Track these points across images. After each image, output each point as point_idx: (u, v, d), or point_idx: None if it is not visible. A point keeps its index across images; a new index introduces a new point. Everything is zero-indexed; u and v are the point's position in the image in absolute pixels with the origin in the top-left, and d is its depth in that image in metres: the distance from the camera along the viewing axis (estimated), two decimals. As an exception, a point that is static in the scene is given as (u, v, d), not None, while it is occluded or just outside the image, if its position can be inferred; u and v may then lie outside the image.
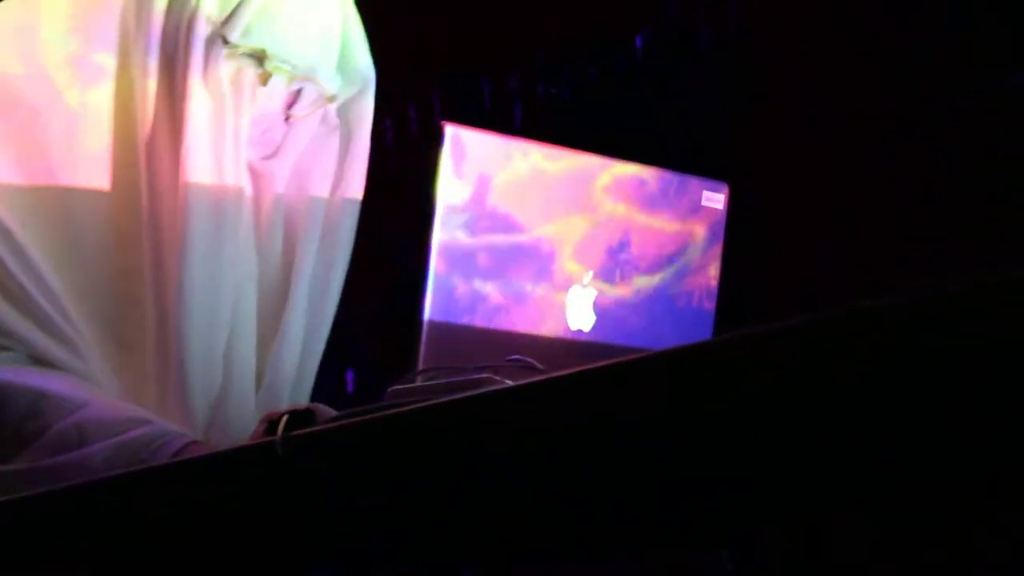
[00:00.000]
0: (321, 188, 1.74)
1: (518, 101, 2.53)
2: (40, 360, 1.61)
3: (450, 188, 1.39)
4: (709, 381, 1.00)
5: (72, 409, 1.56)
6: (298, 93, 1.71)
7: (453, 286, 1.39)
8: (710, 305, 1.54)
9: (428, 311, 1.37)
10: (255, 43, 1.66)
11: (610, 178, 1.49)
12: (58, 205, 1.65)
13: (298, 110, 1.71)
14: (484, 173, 1.40)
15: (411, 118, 2.59)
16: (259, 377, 1.70)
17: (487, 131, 1.42)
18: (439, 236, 1.38)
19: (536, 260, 1.43)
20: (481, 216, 1.40)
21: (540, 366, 1.31)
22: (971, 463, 0.93)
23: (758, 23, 2.53)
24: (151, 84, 1.66)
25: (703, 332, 1.53)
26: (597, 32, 2.58)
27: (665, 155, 1.61)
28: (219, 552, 1.33)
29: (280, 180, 1.72)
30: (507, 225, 1.42)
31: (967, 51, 2.33)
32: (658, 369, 1.04)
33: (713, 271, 1.54)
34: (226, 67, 1.66)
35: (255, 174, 1.69)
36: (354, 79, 1.74)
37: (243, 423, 1.65)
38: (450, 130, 1.39)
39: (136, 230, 1.65)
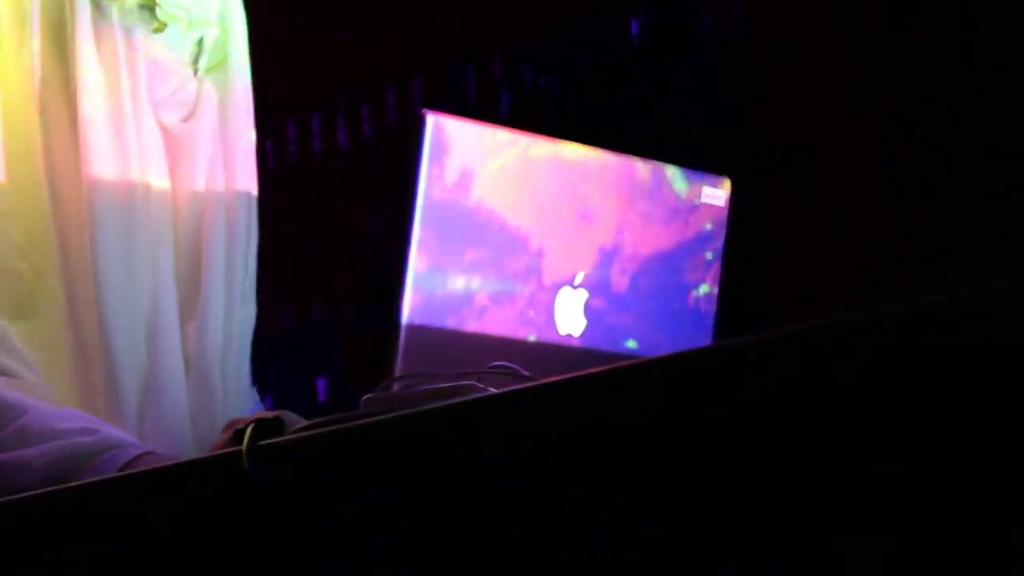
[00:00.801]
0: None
1: (505, 88, 2.52)
2: None
3: (431, 181, 1.35)
4: (706, 391, 0.99)
5: (13, 417, 1.51)
6: (201, 44, 1.66)
7: (433, 287, 1.35)
8: (709, 307, 1.52)
9: (406, 313, 1.34)
10: None
11: (603, 171, 1.46)
12: None
13: (204, 62, 1.68)
14: (468, 165, 1.37)
15: (389, 105, 2.59)
16: (187, 364, 1.67)
17: (471, 120, 1.39)
18: (419, 232, 1.35)
19: (523, 259, 1.41)
20: (464, 211, 1.37)
21: (526, 373, 1.29)
22: (971, 463, 0.92)
23: (758, 22, 2.54)
24: (37, 64, 1.62)
25: (702, 336, 1.51)
26: (591, 19, 2.58)
27: (662, 149, 1.58)
28: (180, 568, 1.28)
29: (202, 144, 1.68)
30: (492, 221, 1.39)
31: (967, 51, 2.34)
32: (653, 377, 1.02)
33: (713, 271, 1.51)
34: (119, 26, 1.63)
35: (171, 139, 1.65)
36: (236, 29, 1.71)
37: (176, 412, 1.63)
38: (431, 119, 1.36)
39: (42, 222, 1.62)
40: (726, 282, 1.52)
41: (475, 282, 1.37)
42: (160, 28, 1.63)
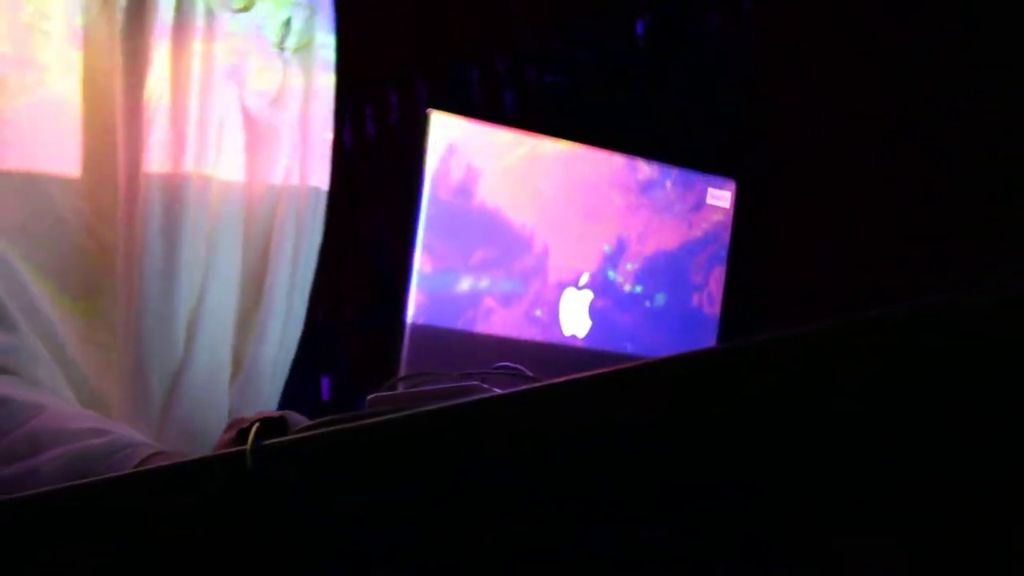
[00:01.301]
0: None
1: (510, 88, 2.51)
2: None
3: (436, 181, 1.35)
4: (711, 392, 0.98)
5: (25, 418, 1.49)
6: (288, 24, 1.64)
7: (438, 287, 1.35)
8: (714, 309, 1.50)
9: (411, 314, 1.34)
10: None
11: (608, 172, 1.46)
12: (28, 180, 1.57)
13: (291, 42, 1.64)
14: (473, 165, 1.37)
15: (393, 105, 2.58)
16: (237, 367, 1.64)
17: (476, 120, 1.38)
18: (423, 233, 1.34)
19: (528, 260, 1.40)
20: (469, 212, 1.37)
21: (531, 374, 1.28)
22: (975, 465, 0.91)
23: (765, 24, 2.53)
24: (119, 41, 1.59)
25: (707, 338, 1.50)
26: (596, 20, 2.57)
27: (668, 150, 1.57)
28: (182, 567, 1.27)
29: (285, 132, 1.64)
30: (497, 222, 1.38)
31: (967, 51, 2.33)
32: (658, 378, 1.02)
33: (717, 273, 1.50)
34: (202, 3, 1.59)
35: (252, 124, 1.62)
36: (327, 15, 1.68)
37: (213, 412, 1.60)
38: (436, 118, 1.35)
39: (113, 204, 1.59)
40: (731, 283, 1.52)
41: (480, 282, 1.37)
42: (247, 7, 1.60)
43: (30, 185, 1.57)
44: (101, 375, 1.58)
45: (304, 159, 1.66)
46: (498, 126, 1.40)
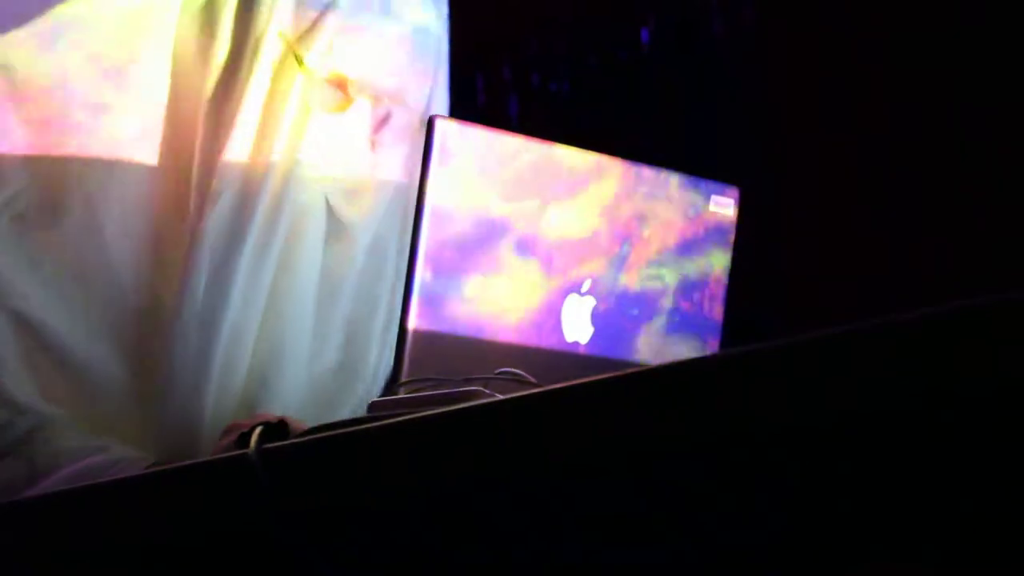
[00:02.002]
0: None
1: (514, 94, 2.51)
2: None
3: (438, 186, 1.34)
4: (714, 398, 0.98)
5: (25, 440, 1.48)
6: (386, 119, 1.59)
7: (440, 292, 1.34)
8: (717, 315, 1.49)
9: (412, 319, 1.33)
10: (335, 66, 1.54)
11: (612, 179, 1.45)
12: (89, 237, 1.54)
13: (384, 137, 1.59)
14: (475, 171, 1.36)
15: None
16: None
17: (479, 126, 1.38)
18: (425, 238, 1.33)
19: (531, 266, 1.39)
20: (471, 217, 1.36)
21: (532, 380, 1.28)
22: (987, 474, 0.92)
23: (770, 31, 2.54)
24: (208, 94, 1.53)
25: (710, 344, 1.49)
26: (601, 26, 2.57)
27: (672, 156, 1.57)
28: (185, 572, 1.28)
29: (363, 234, 1.60)
30: (500, 228, 1.37)
31: (967, 51, 2.35)
32: (660, 385, 1.01)
33: (721, 279, 1.50)
34: (296, 94, 1.53)
35: (334, 219, 1.57)
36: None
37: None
38: (439, 124, 1.34)
39: (182, 209, 1.55)
40: (734, 290, 1.51)
41: (481, 288, 1.36)
42: (344, 107, 1.54)
43: (89, 239, 1.54)
44: (142, 430, 1.55)
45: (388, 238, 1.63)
46: (501, 132, 1.39)
